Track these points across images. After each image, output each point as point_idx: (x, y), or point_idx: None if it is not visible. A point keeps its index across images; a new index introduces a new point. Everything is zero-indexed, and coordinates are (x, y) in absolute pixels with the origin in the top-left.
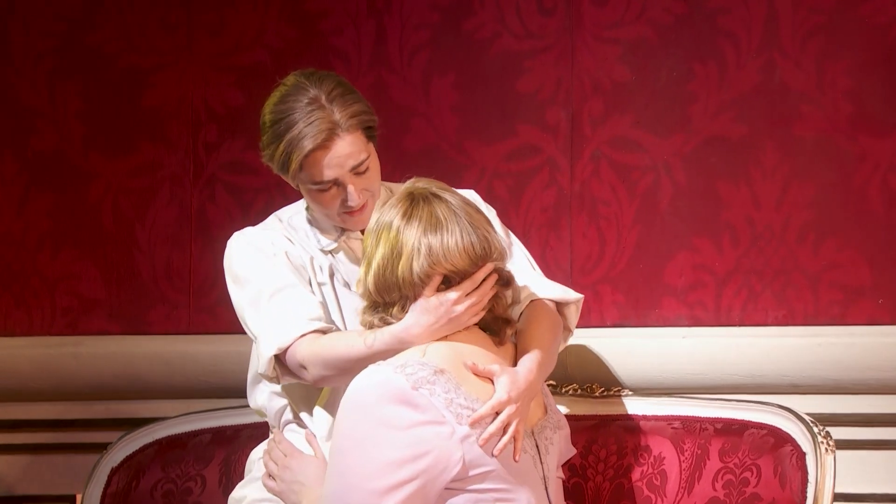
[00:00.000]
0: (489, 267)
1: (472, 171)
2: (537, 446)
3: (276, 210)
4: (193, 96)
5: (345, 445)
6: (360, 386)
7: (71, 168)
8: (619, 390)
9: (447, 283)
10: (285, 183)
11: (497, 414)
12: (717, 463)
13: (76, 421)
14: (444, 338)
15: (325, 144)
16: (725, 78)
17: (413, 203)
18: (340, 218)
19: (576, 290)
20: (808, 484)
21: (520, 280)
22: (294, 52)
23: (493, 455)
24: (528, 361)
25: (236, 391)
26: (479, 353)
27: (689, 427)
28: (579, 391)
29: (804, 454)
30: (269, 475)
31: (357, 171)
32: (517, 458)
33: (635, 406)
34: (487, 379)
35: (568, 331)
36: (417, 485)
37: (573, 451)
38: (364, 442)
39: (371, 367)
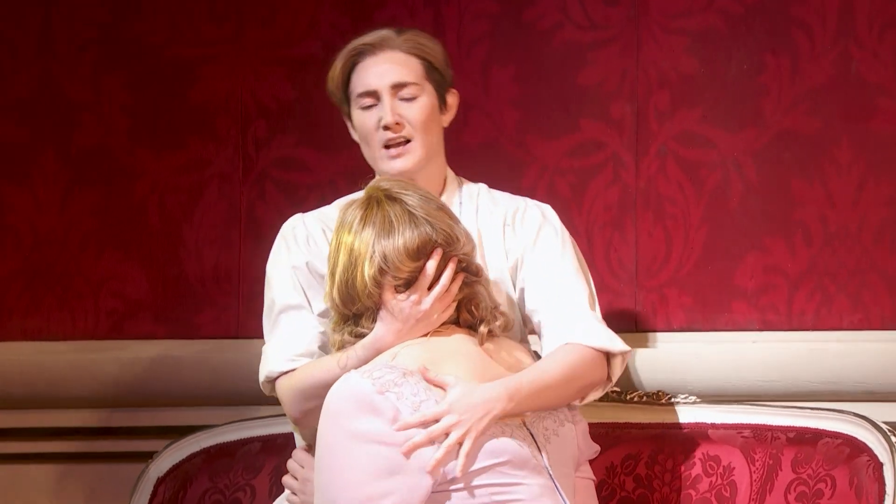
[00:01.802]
0: (439, 252)
1: (533, 167)
2: (532, 436)
3: None
4: (243, 90)
5: (322, 459)
6: (331, 395)
7: (116, 165)
8: (686, 397)
9: (408, 284)
10: (338, 179)
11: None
12: (790, 474)
13: (121, 429)
14: (424, 335)
15: (372, 49)
16: (798, 70)
17: (368, 207)
18: (380, 152)
19: (640, 293)
20: (886, 496)
21: (569, 319)
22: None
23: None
24: (505, 382)
25: None
26: (457, 352)
27: (760, 436)
28: (645, 398)
29: (881, 465)
30: (292, 492)
31: (399, 91)
32: (460, 472)
33: (703, 414)
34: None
35: (608, 380)
36: (397, 499)
37: (595, 448)
38: (337, 455)
39: (343, 375)
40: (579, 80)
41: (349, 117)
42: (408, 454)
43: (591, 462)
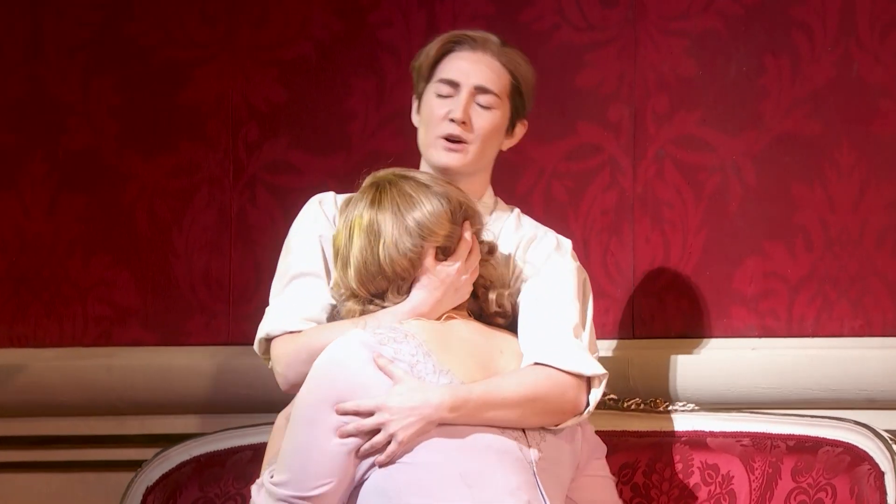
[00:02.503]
0: (468, 225)
1: (530, 171)
2: (523, 430)
3: None
4: (234, 92)
5: (299, 406)
6: (329, 349)
7: (104, 168)
8: (684, 405)
9: (444, 252)
10: (330, 183)
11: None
12: (790, 483)
13: (109, 437)
14: (439, 318)
15: (473, 43)
16: (799, 72)
17: (379, 189)
18: (437, 140)
19: (638, 298)
20: None
21: (546, 341)
22: (340, 45)
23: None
24: (453, 389)
25: (278, 405)
26: (466, 340)
27: (760, 444)
28: (642, 405)
29: (882, 473)
30: None
31: (479, 95)
32: (380, 463)
33: (702, 422)
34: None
35: (577, 405)
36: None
37: (603, 448)
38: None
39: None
40: (576, 82)
41: (419, 97)
42: (341, 437)
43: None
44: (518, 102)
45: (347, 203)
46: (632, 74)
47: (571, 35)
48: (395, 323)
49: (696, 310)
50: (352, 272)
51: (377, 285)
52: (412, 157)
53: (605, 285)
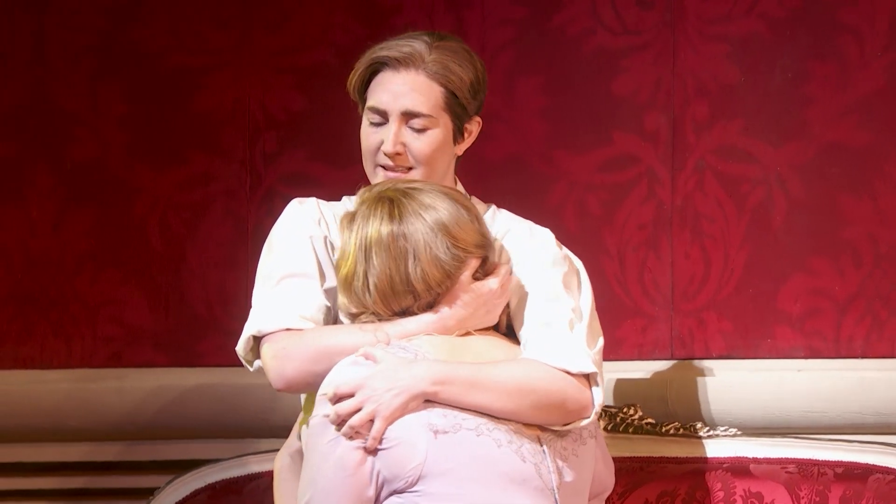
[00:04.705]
0: (498, 244)
1: (562, 183)
2: (546, 453)
3: None
4: (250, 100)
5: (308, 442)
6: (335, 371)
7: (113, 181)
8: (726, 430)
9: (482, 268)
10: (351, 196)
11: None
12: None
13: (119, 463)
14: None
15: (395, 64)
16: (847, 78)
17: (393, 203)
18: (376, 169)
19: (677, 317)
20: None
21: (538, 339)
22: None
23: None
24: (439, 364)
25: None
26: (479, 355)
27: (806, 471)
28: (682, 430)
29: None
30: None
31: (409, 118)
32: (368, 449)
33: (745, 447)
34: None
35: (583, 406)
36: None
37: (611, 480)
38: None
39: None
40: (611, 89)
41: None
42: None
43: (624, 500)
44: (458, 109)
45: (350, 221)
46: (670, 81)
47: (606, 39)
48: (419, 329)
49: (738, 329)
50: (372, 293)
51: (402, 303)
52: None
53: (643, 303)
